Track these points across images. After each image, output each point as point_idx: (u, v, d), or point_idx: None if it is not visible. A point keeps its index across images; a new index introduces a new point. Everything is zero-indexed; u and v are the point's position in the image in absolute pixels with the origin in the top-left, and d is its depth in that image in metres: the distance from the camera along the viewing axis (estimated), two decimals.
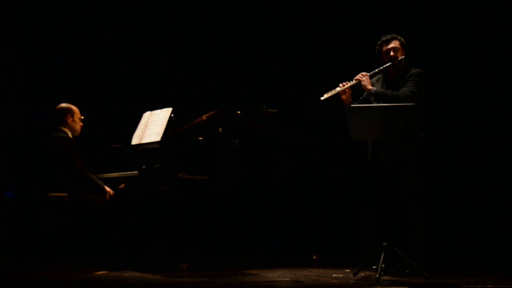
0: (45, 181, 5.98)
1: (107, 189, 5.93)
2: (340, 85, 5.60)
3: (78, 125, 6.17)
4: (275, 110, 5.93)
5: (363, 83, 5.61)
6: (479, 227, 6.55)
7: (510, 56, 6.53)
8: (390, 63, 5.63)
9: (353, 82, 5.62)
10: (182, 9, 7.63)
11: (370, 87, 5.61)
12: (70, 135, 6.10)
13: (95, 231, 6.10)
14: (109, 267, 5.73)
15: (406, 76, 5.63)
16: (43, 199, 5.89)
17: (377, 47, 5.76)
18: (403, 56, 5.65)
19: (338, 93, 5.58)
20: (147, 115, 6.22)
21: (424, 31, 6.86)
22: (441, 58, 6.78)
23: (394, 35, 5.72)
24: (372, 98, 5.62)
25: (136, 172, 5.79)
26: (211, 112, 5.74)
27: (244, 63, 7.63)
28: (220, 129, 5.93)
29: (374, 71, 5.67)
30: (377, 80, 5.76)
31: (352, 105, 5.36)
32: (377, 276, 5.05)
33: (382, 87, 5.71)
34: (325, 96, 5.56)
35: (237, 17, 7.62)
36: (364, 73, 5.65)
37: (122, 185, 5.98)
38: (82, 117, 6.20)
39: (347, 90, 5.62)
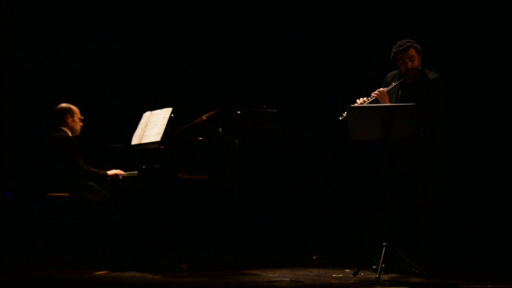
0: (45, 181, 5.98)
1: (111, 173, 5.93)
2: (358, 101, 5.57)
3: (78, 125, 6.17)
4: (275, 110, 5.92)
5: (380, 101, 5.57)
6: (479, 227, 6.54)
7: None
8: (407, 75, 5.59)
9: (371, 98, 5.57)
10: (183, 9, 7.62)
11: (388, 104, 5.57)
12: (70, 135, 6.10)
13: (95, 231, 6.10)
14: (109, 267, 5.73)
15: (425, 83, 5.57)
16: (43, 199, 5.89)
17: (392, 54, 5.67)
18: (420, 67, 5.60)
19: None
20: (147, 115, 6.22)
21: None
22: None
23: (409, 42, 5.61)
24: None
25: (136, 172, 5.80)
26: (211, 112, 5.74)
27: (244, 63, 7.63)
28: (220, 129, 5.93)
29: (391, 86, 5.63)
30: (392, 80, 5.70)
31: (352, 105, 5.35)
32: (377, 276, 5.05)
33: (398, 94, 5.68)
34: (344, 115, 5.51)
35: (238, 16, 7.62)
36: (381, 90, 5.59)
37: (119, 173, 5.94)
38: (82, 117, 6.20)
39: None
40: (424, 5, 6.91)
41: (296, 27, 7.58)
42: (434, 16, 6.84)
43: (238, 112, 5.82)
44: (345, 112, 5.47)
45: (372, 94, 5.59)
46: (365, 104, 5.52)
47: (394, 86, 5.64)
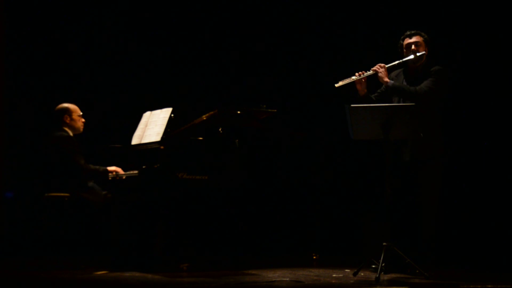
0: (45, 181, 5.98)
1: (111, 168, 5.93)
2: (356, 74, 5.52)
3: (78, 123, 6.16)
4: (275, 110, 5.92)
5: (380, 74, 5.53)
6: (480, 226, 6.54)
7: None
8: (411, 56, 5.51)
9: (370, 72, 5.53)
10: (183, 9, 7.62)
11: (387, 79, 5.53)
12: (71, 134, 6.10)
13: (95, 231, 6.10)
14: (109, 267, 5.73)
15: (429, 71, 5.53)
16: (43, 199, 5.90)
17: (400, 41, 5.66)
18: (424, 52, 5.55)
19: (353, 82, 5.52)
20: (147, 115, 6.22)
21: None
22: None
23: (418, 31, 5.63)
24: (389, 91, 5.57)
25: (136, 172, 5.80)
26: (211, 112, 5.74)
27: (244, 63, 7.63)
28: (220, 129, 5.93)
29: (392, 64, 5.56)
30: (396, 76, 5.68)
31: (352, 105, 5.34)
32: (377, 276, 5.05)
33: (402, 83, 5.66)
34: (340, 83, 5.47)
35: (238, 16, 7.62)
36: (381, 65, 5.54)
37: (119, 170, 5.95)
38: (81, 113, 6.18)
39: (363, 80, 5.53)
40: (424, 4, 6.92)
41: (296, 27, 7.58)
42: (434, 15, 6.85)
43: (238, 112, 5.82)
44: (344, 80, 5.47)
45: (372, 69, 5.56)
46: (363, 76, 5.50)
47: (395, 65, 5.57)
